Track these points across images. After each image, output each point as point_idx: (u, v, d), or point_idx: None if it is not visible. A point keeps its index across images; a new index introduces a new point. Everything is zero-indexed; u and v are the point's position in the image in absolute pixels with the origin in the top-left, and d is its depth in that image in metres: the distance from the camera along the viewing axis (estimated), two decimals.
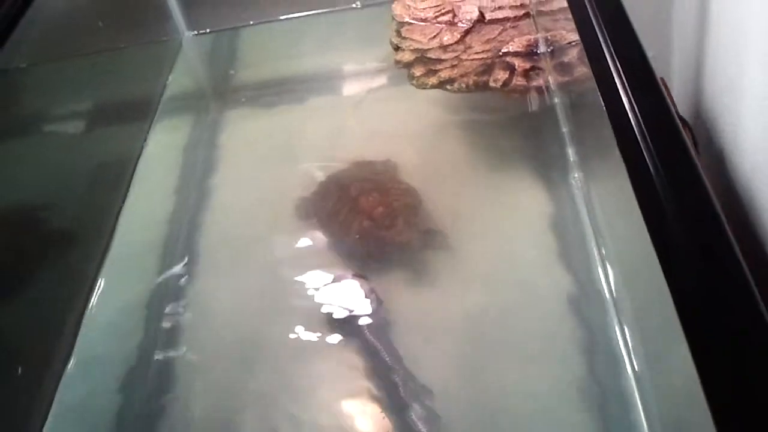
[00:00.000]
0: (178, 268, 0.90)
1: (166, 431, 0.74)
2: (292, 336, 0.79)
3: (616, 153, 0.57)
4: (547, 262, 0.81)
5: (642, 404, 0.65)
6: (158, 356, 0.80)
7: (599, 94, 0.61)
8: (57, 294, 0.86)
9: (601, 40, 0.64)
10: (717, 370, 0.41)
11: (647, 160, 0.54)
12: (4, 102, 0.85)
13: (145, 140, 1.11)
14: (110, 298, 0.89)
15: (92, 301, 0.88)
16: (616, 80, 0.60)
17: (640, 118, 0.56)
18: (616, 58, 0.61)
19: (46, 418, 0.76)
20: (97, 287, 0.90)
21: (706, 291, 0.45)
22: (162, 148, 1.11)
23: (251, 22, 1.32)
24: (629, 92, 0.59)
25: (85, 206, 0.96)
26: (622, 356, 0.69)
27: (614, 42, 0.64)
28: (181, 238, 0.94)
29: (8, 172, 0.83)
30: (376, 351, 0.76)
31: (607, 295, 0.75)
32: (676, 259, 0.47)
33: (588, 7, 0.68)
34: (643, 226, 0.50)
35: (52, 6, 0.97)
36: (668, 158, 0.53)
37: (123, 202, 1.01)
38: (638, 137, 0.55)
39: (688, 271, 0.46)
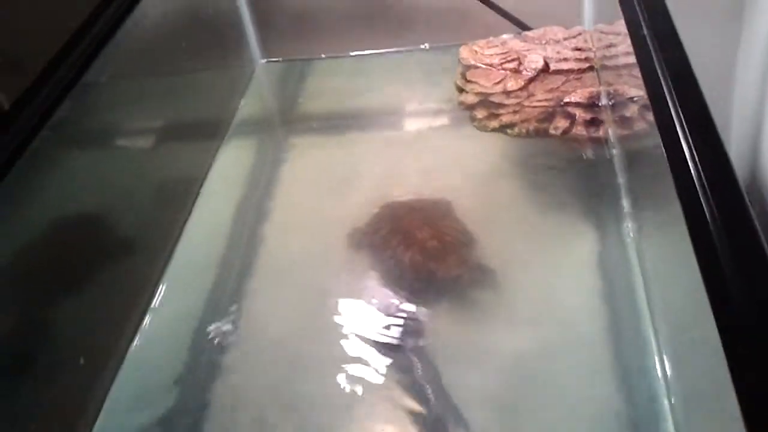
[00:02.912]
0: (232, 282, 0.94)
1: (214, 416, 0.78)
2: (334, 358, 0.81)
3: (673, 207, 0.58)
4: (594, 308, 0.82)
5: None
6: (207, 357, 0.85)
7: (662, 148, 0.63)
8: (120, 296, 0.90)
9: (667, 96, 0.66)
10: None
11: (707, 216, 0.55)
12: (83, 114, 0.88)
13: (214, 159, 1.16)
14: (169, 303, 0.93)
15: (153, 303, 0.93)
16: (680, 136, 0.62)
17: (702, 174, 0.58)
18: (681, 114, 0.63)
19: (104, 401, 0.81)
20: (158, 292, 0.94)
21: (761, 349, 0.45)
22: (229, 168, 1.15)
23: (323, 56, 1.38)
24: (693, 148, 0.60)
25: (153, 216, 1.01)
26: (664, 404, 0.70)
27: (680, 98, 0.65)
28: (238, 255, 0.98)
29: (82, 181, 0.87)
30: (420, 384, 0.77)
31: (654, 346, 0.76)
32: (732, 316, 0.48)
33: (656, 63, 0.70)
34: (699, 280, 0.51)
35: (140, 26, 1.02)
36: (728, 217, 0.54)
37: (189, 215, 1.05)
38: (699, 193, 0.57)
39: (743, 326, 0.47)
